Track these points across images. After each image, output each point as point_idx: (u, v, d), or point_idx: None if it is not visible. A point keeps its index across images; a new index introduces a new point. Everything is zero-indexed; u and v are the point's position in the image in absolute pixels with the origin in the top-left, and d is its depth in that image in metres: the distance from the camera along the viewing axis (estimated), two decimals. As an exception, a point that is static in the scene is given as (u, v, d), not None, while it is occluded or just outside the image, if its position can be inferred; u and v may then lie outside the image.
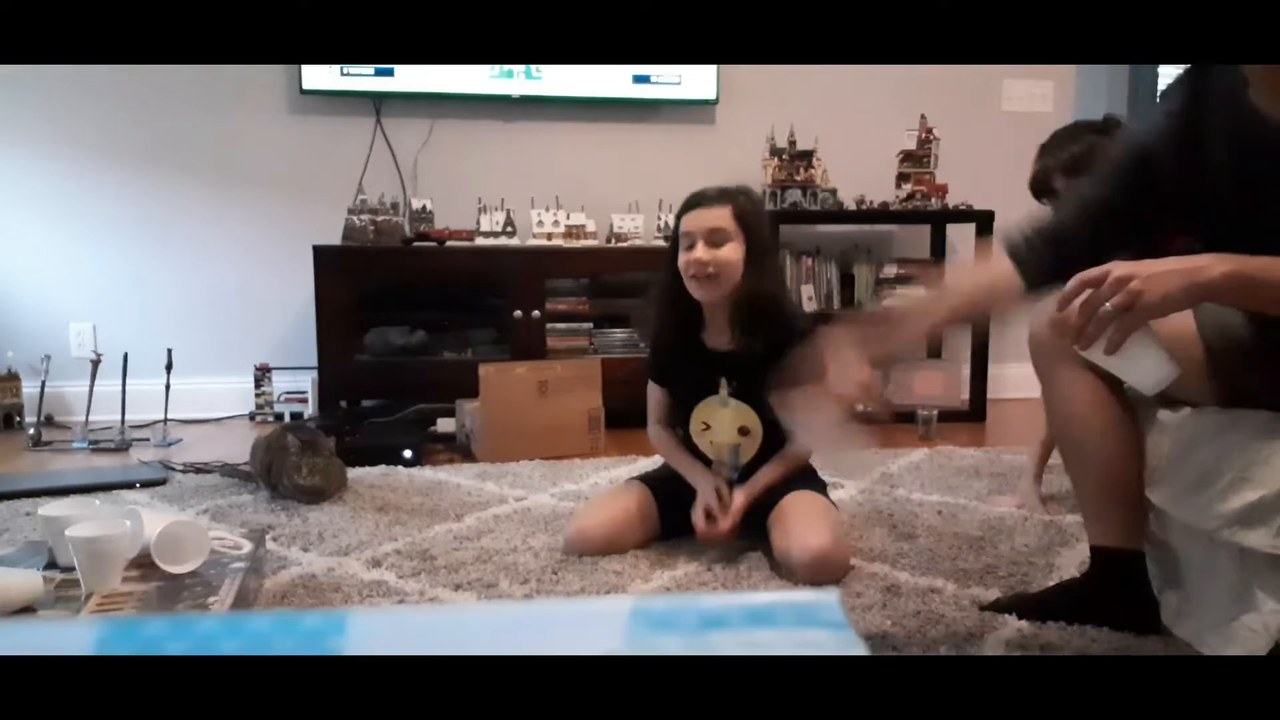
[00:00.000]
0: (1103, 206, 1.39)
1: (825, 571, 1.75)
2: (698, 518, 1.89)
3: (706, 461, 2.01)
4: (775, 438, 1.95)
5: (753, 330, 1.90)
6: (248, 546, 1.70)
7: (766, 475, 1.93)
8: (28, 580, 1.45)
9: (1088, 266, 1.25)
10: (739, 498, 1.90)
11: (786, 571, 1.79)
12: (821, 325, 1.85)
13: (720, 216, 1.87)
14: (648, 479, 2.07)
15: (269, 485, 2.35)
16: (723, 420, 1.96)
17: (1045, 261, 1.38)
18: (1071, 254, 1.34)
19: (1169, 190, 1.35)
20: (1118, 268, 1.24)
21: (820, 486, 2.00)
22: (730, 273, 1.87)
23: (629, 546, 1.93)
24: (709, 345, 1.97)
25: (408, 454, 2.75)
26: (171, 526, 1.55)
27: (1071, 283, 1.27)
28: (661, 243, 3.55)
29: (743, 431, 1.96)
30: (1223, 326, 1.38)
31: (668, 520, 1.98)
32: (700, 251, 1.86)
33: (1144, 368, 1.32)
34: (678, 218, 1.95)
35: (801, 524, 1.80)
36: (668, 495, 1.99)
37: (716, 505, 1.88)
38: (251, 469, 2.44)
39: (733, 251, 1.87)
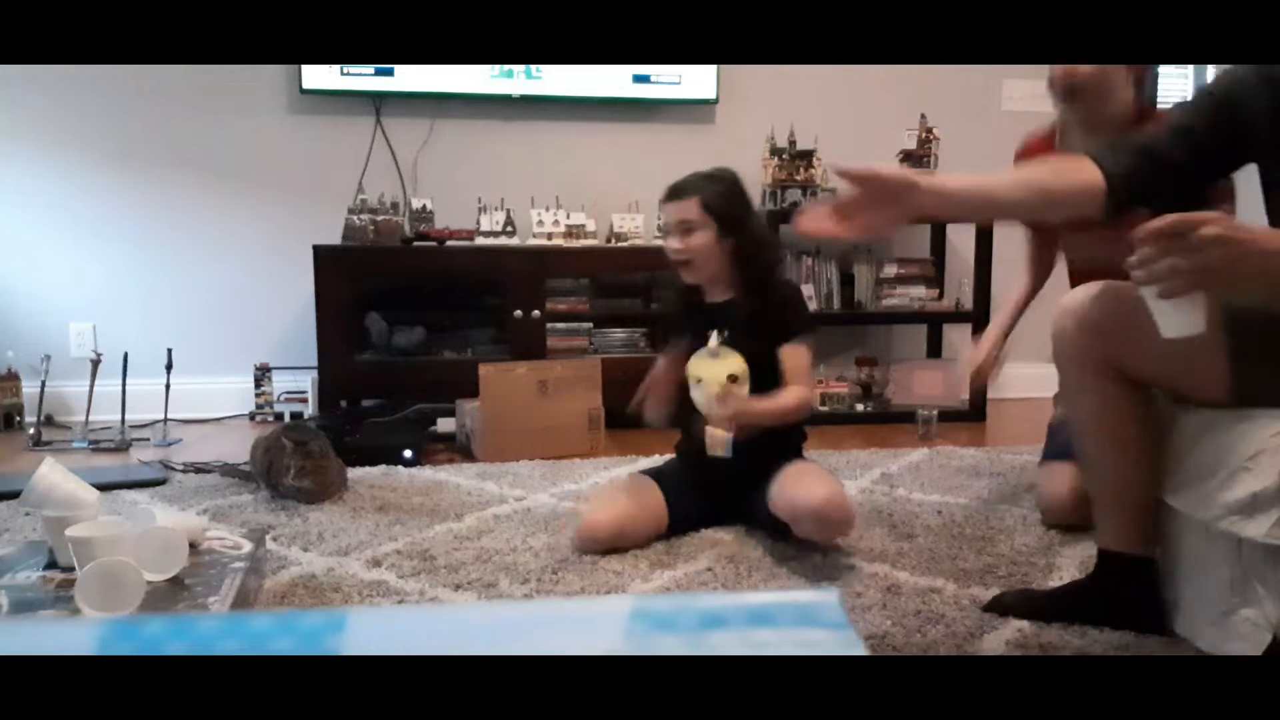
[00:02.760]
0: (1192, 137, 1.39)
1: (831, 517, 1.82)
2: (645, 386, 2.03)
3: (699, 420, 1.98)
4: (765, 387, 1.96)
5: (747, 287, 2.02)
6: (248, 546, 1.70)
7: (764, 404, 1.93)
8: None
9: (1172, 190, 1.28)
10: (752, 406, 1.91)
11: (793, 523, 1.86)
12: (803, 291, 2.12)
13: (687, 208, 2.00)
14: (654, 473, 2.09)
15: (270, 486, 2.35)
16: (713, 370, 1.94)
17: (1135, 175, 1.39)
18: (1161, 174, 1.37)
19: (1254, 134, 1.37)
20: (1217, 224, 1.20)
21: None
22: (701, 258, 2.00)
23: (639, 542, 1.94)
24: (707, 302, 2.07)
25: (408, 454, 2.75)
26: (152, 533, 1.50)
27: (1169, 220, 1.23)
28: (661, 242, 3.55)
29: (731, 379, 1.92)
30: (1254, 326, 1.36)
31: (675, 515, 2.01)
32: (673, 240, 2.02)
33: (1178, 319, 1.29)
34: (661, 206, 2.09)
35: (805, 481, 1.89)
36: (675, 490, 2.02)
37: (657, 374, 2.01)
38: (252, 469, 2.44)
39: (701, 239, 1.99)
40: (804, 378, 2.00)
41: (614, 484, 2.14)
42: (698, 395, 1.95)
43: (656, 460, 2.25)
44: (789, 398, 1.95)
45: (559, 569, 1.85)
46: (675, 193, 2.02)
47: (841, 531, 1.88)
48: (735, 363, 1.91)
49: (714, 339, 1.92)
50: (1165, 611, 1.52)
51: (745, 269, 2.01)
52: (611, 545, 1.91)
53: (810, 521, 1.82)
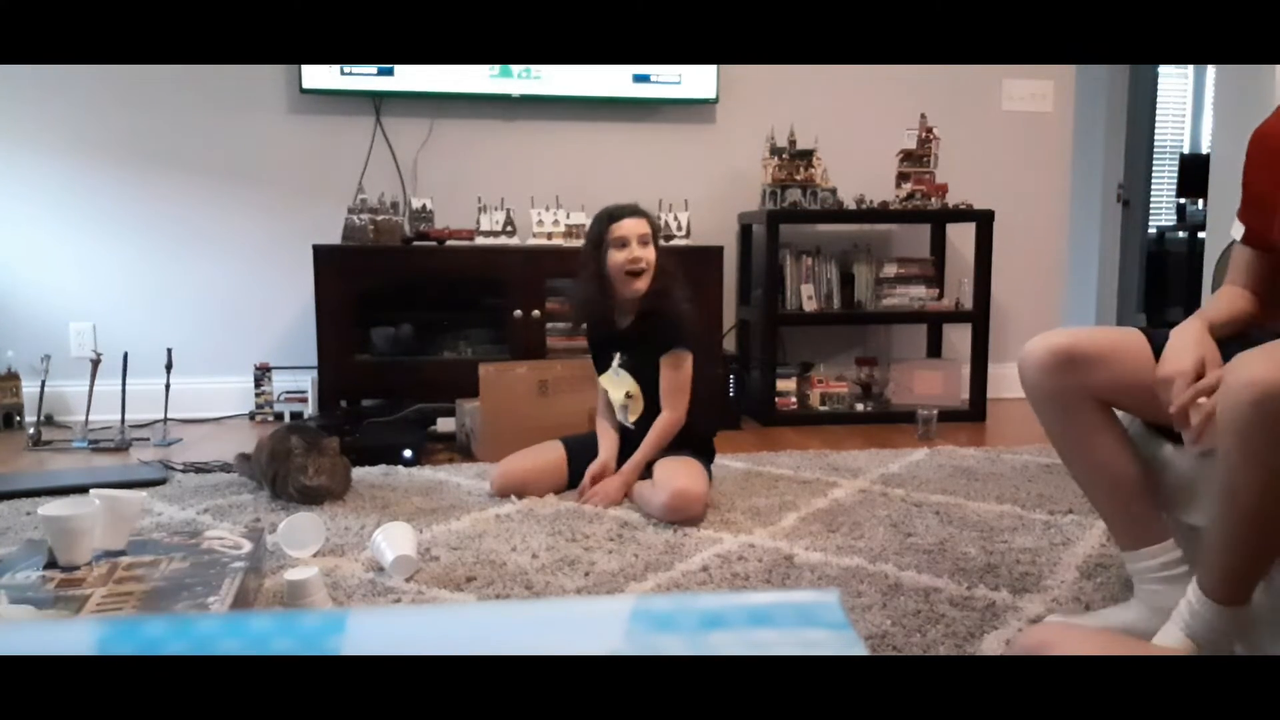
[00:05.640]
0: None
1: (681, 506, 2.13)
2: (583, 485, 2.34)
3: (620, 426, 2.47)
4: (656, 401, 2.36)
5: (647, 313, 2.37)
6: (248, 546, 1.70)
7: (641, 454, 2.35)
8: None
9: None
10: (617, 480, 2.33)
11: (648, 510, 2.20)
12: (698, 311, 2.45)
13: (645, 224, 2.36)
14: (566, 440, 2.51)
15: (275, 488, 2.33)
16: (615, 386, 2.44)
17: None
18: None
19: None
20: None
21: (706, 455, 2.40)
22: (652, 267, 2.36)
23: (540, 491, 2.38)
24: (617, 326, 2.44)
25: (408, 454, 2.75)
26: None
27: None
28: (661, 242, 3.55)
29: (628, 396, 2.41)
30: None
31: (574, 474, 2.42)
32: (636, 250, 2.33)
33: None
34: (606, 226, 2.35)
35: (666, 473, 2.23)
36: (580, 457, 2.43)
37: (596, 473, 2.35)
38: (255, 471, 2.42)
39: (653, 252, 2.37)
40: (674, 395, 2.35)
41: (531, 447, 2.49)
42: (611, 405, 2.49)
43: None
44: (655, 434, 2.34)
45: (558, 569, 1.85)
46: (632, 211, 2.37)
47: (688, 521, 2.15)
48: (630, 385, 2.40)
49: (615, 361, 2.42)
50: None
51: (659, 291, 2.36)
52: (518, 491, 2.36)
53: (659, 512, 2.16)
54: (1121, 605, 1.56)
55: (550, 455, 2.46)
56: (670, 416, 2.34)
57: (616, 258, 2.33)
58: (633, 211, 2.36)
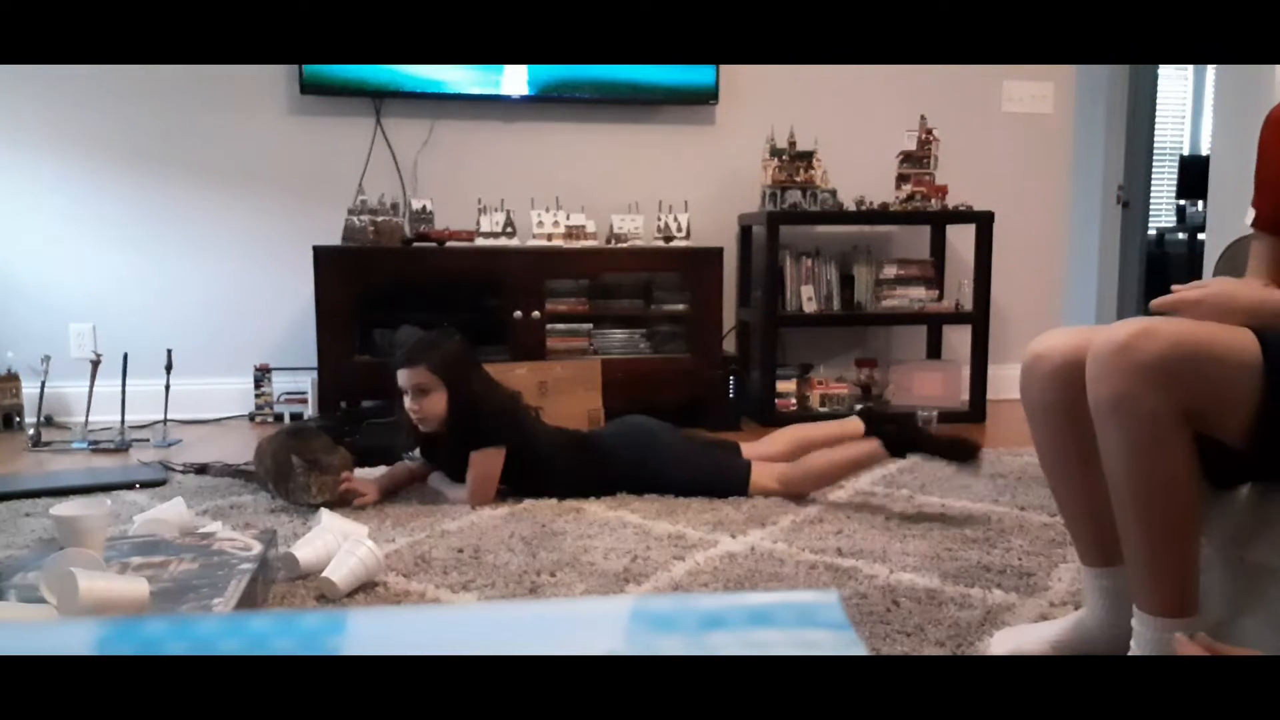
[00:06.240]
0: None
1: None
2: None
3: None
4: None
5: (452, 427, 2.31)
6: (257, 548, 1.69)
7: (427, 482, 2.48)
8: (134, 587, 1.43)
9: None
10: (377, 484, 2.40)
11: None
12: (519, 405, 2.41)
13: (418, 374, 2.26)
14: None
15: (278, 491, 2.31)
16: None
17: None
18: None
19: None
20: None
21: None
22: (434, 415, 2.28)
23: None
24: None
25: (407, 454, 2.74)
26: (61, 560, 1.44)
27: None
28: (660, 243, 3.56)
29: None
30: None
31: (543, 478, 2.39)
32: (409, 403, 2.29)
33: None
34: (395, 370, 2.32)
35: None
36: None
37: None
38: (257, 472, 2.39)
39: (435, 400, 2.27)
40: (474, 484, 2.31)
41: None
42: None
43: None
44: (454, 490, 2.37)
45: (557, 570, 1.85)
46: (406, 359, 2.28)
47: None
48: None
49: (416, 454, 2.47)
50: None
51: (462, 414, 2.28)
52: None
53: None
54: (1067, 619, 1.49)
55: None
56: (469, 501, 2.31)
57: (405, 401, 2.31)
58: (409, 359, 2.27)
